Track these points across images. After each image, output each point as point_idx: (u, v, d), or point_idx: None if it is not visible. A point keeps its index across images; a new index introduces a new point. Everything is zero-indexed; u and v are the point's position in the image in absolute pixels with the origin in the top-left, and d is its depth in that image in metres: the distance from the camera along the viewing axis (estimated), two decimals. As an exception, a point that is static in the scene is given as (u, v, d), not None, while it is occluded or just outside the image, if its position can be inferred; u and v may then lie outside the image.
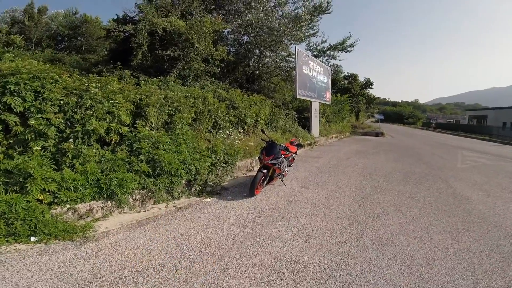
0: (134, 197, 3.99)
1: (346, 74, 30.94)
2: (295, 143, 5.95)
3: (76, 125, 4.10)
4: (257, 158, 6.02)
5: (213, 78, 12.08)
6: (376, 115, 29.67)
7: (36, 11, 25.08)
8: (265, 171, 4.59)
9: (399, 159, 9.40)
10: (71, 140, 3.84)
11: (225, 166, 5.66)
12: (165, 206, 4.06)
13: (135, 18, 12.35)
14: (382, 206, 4.41)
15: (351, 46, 17.21)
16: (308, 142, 11.53)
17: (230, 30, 15.19)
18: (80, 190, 3.48)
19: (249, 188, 4.55)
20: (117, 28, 11.40)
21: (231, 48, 16.14)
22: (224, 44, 14.39)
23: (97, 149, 4.43)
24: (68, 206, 3.32)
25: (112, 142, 4.73)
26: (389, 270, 2.60)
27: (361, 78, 32.68)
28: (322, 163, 7.94)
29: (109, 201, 3.69)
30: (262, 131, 5.50)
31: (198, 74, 11.03)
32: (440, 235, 3.42)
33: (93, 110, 4.27)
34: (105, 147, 4.59)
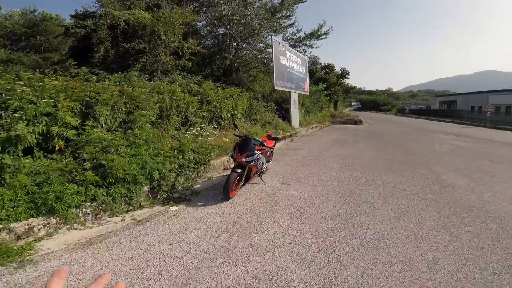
0: (84, 210, 3.34)
1: (323, 64, 31.00)
2: (272, 137, 5.45)
3: (1, 132, 3.38)
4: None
5: (185, 72, 11.33)
6: (353, 103, 29.95)
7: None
8: (239, 170, 4.04)
9: (379, 146, 9.24)
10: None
11: (196, 166, 5.06)
12: (121, 220, 3.42)
13: (96, 13, 11.49)
14: (368, 200, 4.04)
15: (325, 33, 16.99)
16: (289, 134, 11.13)
17: (204, 23, 14.51)
18: (10, 207, 2.83)
19: (223, 190, 4.00)
20: (76, 24, 10.47)
21: (207, 42, 15.37)
22: (198, 37, 13.62)
23: (39, 157, 3.73)
24: (0, 226, 2.71)
25: (56, 148, 4.02)
26: (386, 281, 2.18)
27: (337, 69, 32.94)
28: (303, 155, 7.53)
29: (52, 218, 3.07)
30: (234, 125, 4.91)
31: (168, 68, 10.26)
32: (435, 231, 3.06)
33: (22, 112, 3.55)
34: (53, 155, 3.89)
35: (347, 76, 33.91)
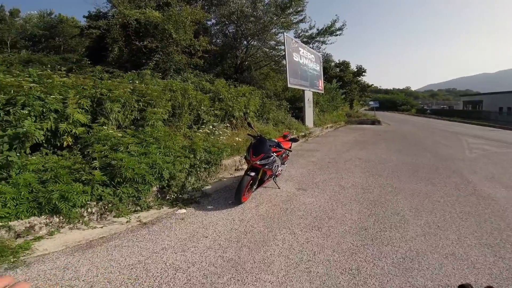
0: (89, 210, 3.19)
1: (337, 62, 30.09)
2: (289, 137, 5.08)
3: (8, 128, 3.27)
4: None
5: (197, 71, 11.20)
6: (371, 103, 28.75)
7: (8, 13, 23.73)
8: (253, 173, 3.72)
9: (403, 149, 8.65)
10: (-4, 146, 3.00)
11: (208, 167, 4.82)
12: (127, 221, 3.21)
13: (108, 14, 11.64)
14: (398, 211, 3.62)
15: (340, 29, 16.34)
16: (303, 134, 10.73)
17: (214, 21, 14.50)
18: (13, 205, 2.70)
19: (235, 194, 3.71)
20: (90, 25, 10.64)
21: (217, 40, 15.26)
22: (209, 35, 13.53)
23: (46, 154, 3.60)
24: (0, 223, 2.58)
25: (64, 145, 3.89)
26: (425, 314, 1.82)
27: (352, 66, 31.87)
28: (319, 157, 7.13)
29: (55, 216, 2.93)
30: (249, 124, 4.59)
31: (180, 66, 10.16)
32: (477, 250, 2.67)
33: (30, 108, 3.43)
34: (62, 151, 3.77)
35: (363, 73, 32.69)
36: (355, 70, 31.92)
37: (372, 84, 39.63)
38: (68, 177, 3.06)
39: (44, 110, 3.65)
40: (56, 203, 2.83)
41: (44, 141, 3.64)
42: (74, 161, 3.49)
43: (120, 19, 9.13)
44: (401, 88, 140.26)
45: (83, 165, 3.35)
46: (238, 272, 2.29)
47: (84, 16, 13.50)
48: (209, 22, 14.39)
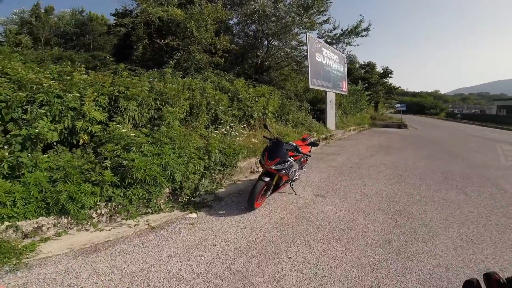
0: (99, 211, 3.14)
1: (363, 63, 29.05)
2: (308, 141, 4.80)
3: (24, 127, 3.29)
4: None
5: (218, 70, 11.19)
6: (397, 105, 27.37)
7: (43, 11, 25.09)
8: (267, 179, 3.51)
9: (432, 155, 8.04)
10: (7, 147, 3.01)
11: (222, 169, 4.67)
12: (135, 225, 3.12)
13: (134, 12, 11.93)
14: (426, 223, 3.27)
15: (366, 30, 15.65)
16: (324, 136, 10.32)
17: (236, 21, 14.47)
18: (21, 205, 2.68)
19: (247, 200, 3.52)
20: (117, 23, 10.95)
21: (238, 40, 15.22)
22: (230, 34, 13.50)
23: (62, 152, 3.61)
24: (7, 223, 2.56)
25: (80, 143, 3.90)
26: None
27: (378, 68, 30.58)
28: (341, 162, 6.77)
29: (63, 217, 2.89)
30: (265, 125, 4.34)
31: (201, 65, 10.17)
32: None
33: (47, 108, 3.44)
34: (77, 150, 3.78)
35: (390, 75, 31.26)
36: (381, 71, 30.65)
37: (399, 86, 37.86)
38: (78, 177, 3.02)
39: (63, 108, 3.67)
40: (64, 204, 2.79)
41: (55, 143, 3.56)
42: (87, 160, 3.46)
43: (143, 17, 9.28)
44: (429, 91, 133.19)
45: (94, 165, 3.31)
46: (244, 286, 2.10)
47: (111, 14, 13.97)
48: (231, 21, 14.41)
